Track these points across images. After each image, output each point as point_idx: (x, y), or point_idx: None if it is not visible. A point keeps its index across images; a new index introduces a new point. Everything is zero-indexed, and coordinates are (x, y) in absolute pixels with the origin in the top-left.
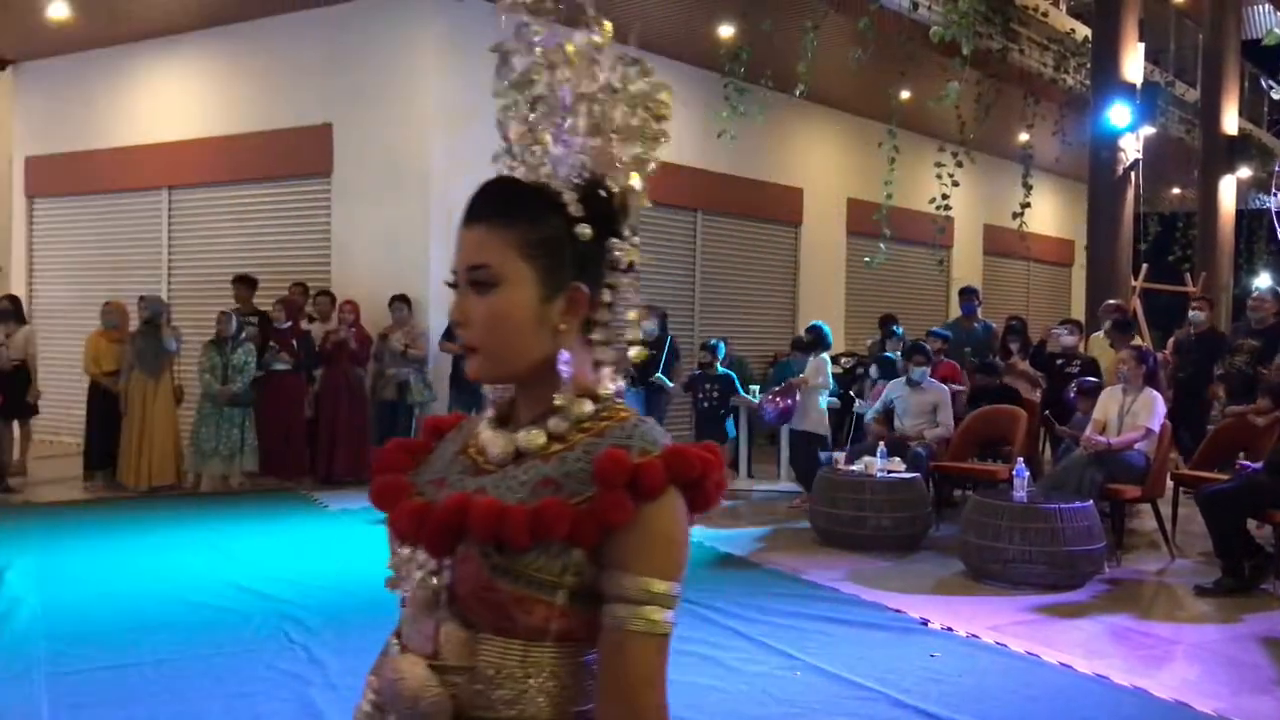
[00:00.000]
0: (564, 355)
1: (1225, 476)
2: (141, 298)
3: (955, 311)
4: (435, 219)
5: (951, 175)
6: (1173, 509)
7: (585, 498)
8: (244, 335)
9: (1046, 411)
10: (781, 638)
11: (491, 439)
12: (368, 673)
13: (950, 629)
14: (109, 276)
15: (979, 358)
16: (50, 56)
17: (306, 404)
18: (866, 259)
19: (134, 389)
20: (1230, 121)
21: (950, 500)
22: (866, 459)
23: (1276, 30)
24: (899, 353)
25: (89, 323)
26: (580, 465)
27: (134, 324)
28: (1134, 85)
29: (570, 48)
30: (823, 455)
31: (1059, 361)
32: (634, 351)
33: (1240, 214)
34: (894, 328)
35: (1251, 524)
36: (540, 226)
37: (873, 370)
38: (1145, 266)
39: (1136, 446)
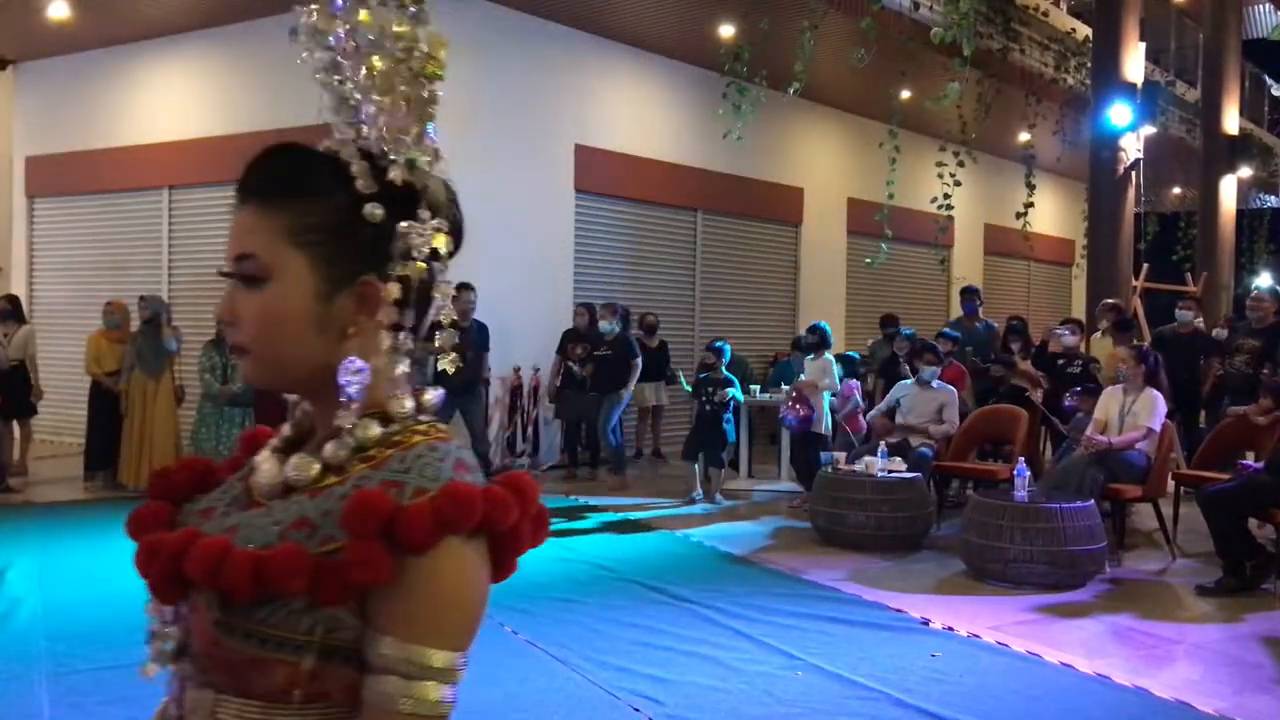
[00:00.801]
0: (351, 364)
1: (1226, 476)
2: (142, 298)
3: (956, 311)
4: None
5: (953, 175)
6: (1174, 508)
7: (337, 546)
8: None
9: (1046, 413)
10: (783, 638)
11: (265, 467)
12: None
13: (951, 629)
14: (109, 276)
15: (981, 357)
16: (50, 56)
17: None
18: (868, 259)
19: (135, 389)
20: (1231, 121)
21: (948, 500)
22: (867, 459)
23: None
24: (905, 353)
25: (89, 323)
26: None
27: (134, 324)
28: (1134, 85)
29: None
30: (823, 455)
31: (1060, 361)
32: (446, 361)
33: (1241, 213)
34: (902, 328)
35: (1253, 523)
36: (319, 207)
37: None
38: (1146, 266)
39: (1137, 446)
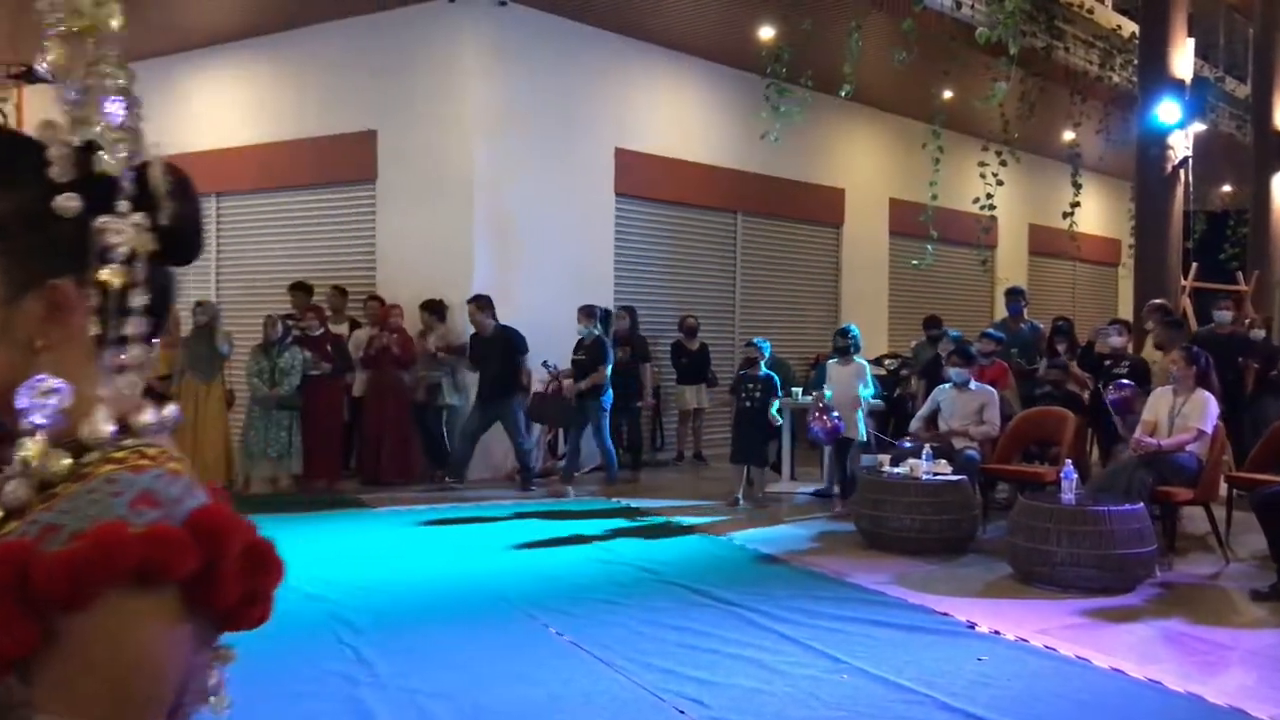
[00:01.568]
0: (39, 382)
1: None
2: (198, 303)
3: (1000, 312)
4: (479, 224)
5: (995, 174)
6: (1227, 512)
7: None
8: (289, 339)
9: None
10: (828, 640)
11: None
12: None
13: (998, 632)
14: None
15: (1026, 359)
16: None
17: (343, 407)
18: (914, 261)
19: (186, 393)
20: None
21: (994, 503)
22: (911, 461)
23: None
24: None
25: None
26: None
27: (183, 330)
28: (1183, 81)
29: None
30: (864, 459)
31: (1107, 362)
32: (127, 380)
33: None
34: (947, 330)
35: None
36: (8, 197)
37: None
38: (1195, 265)
39: (1188, 448)
